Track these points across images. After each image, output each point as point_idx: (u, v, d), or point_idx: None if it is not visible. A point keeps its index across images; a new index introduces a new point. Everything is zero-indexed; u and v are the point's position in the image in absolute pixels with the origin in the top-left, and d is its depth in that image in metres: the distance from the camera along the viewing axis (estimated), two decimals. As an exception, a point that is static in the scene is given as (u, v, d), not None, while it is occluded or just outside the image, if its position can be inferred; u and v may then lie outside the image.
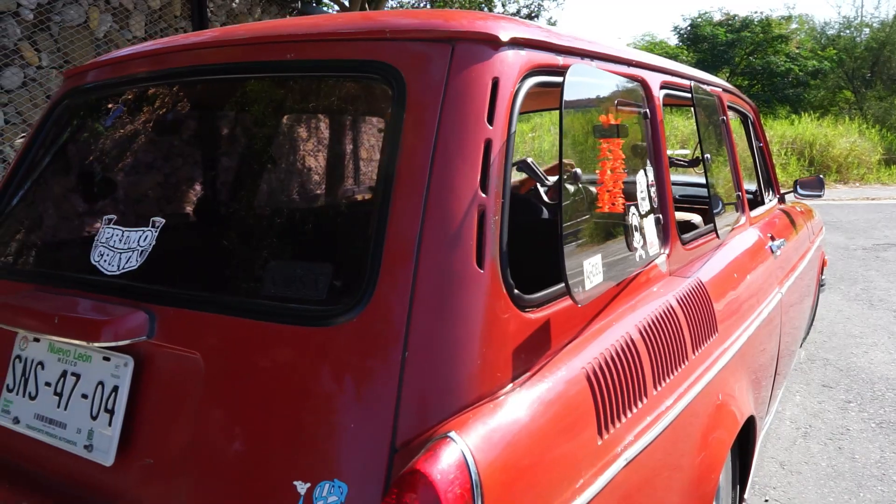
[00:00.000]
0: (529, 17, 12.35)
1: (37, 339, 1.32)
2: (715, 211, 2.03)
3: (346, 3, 8.65)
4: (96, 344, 1.16)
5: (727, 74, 24.45)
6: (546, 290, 1.19)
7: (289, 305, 1.10)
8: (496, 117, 1.13)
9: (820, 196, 3.45)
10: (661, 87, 1.81)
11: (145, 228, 1.29)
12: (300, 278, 1.13)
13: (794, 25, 25.84)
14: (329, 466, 0.98)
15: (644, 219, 1.53)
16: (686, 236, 1.83)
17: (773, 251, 2.47)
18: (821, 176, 3.54)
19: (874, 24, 23.33)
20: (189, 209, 1.56)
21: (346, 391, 1.01)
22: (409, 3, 11.87)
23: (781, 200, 3.37)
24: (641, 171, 1.57)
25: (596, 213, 1.31)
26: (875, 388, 3.57)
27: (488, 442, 0.95)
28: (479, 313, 1.04)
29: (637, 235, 1.47)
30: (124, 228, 1.32)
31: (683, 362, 1.47)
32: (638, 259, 1.46)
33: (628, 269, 1.41)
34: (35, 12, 4.71)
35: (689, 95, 1.98)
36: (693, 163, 3.22)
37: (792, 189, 3.51)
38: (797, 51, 24.25)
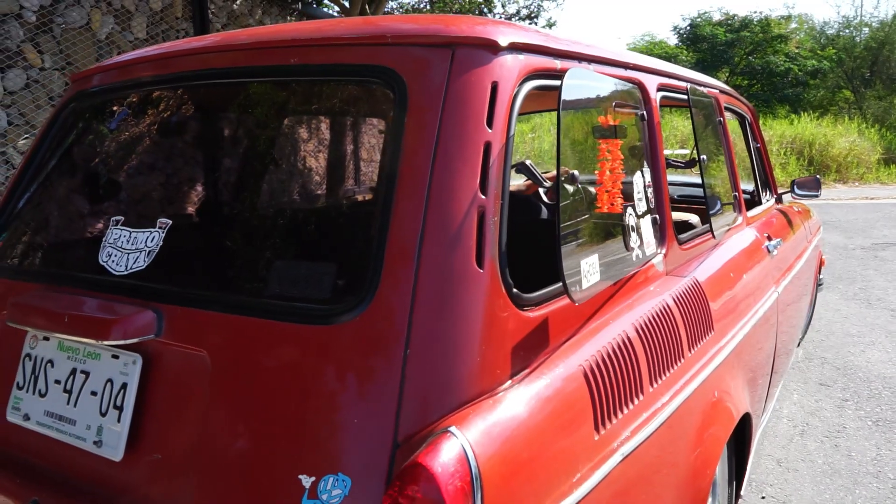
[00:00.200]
0: (529, 17, 12.38)
1: (46, 338, 1.35)
2: (711, 211, 2.06)
3: (347, 4, 8.68)
4: (106, 342, 1.19)
5: (727, 74, 24.48)
6: (544, 289, 1.22)
7: (293, 304, 1.13)
8: (495, 120, 1.16)
9: (817, 196, 3.48)
10: (658, 90, 1.84)
11: (152, 229, 1.32)
12: (304, 278, 1.16)
13: (793, 25, 25.87)
14: (333, 461, 1.00)
15: (641, 219, 1.56)
16: (683, 236, 1.86)
17: (769, 251, 2.50)
18: (818, 176, 3.57)
19: (873, 24, 23.36)
20: (195, 210, 1.58)
21: (350, 388, 1.04)
22: (409, 2, 11.90)
23: (779, 200, 3.39)
24: (639, 172, 1.60)
25: (593, 214, 1.33)
26: (872, 386, 3.60)
27: (488, 436, 0.97)
28: (479, 312, 1.07)
29: (634, 235, 1.50)
30: (132, 229, 1.35)
31: (679, 360, 1.50)
32: (635, 259, 1.48)
33: (625, 269, 1.44)
34: (37, 14, 4.74)
35: (685, 97, 2.01)
36: (690, 164, 3.25)
37: (789, 189, 3.54)
38: (796, 50, 24.28)
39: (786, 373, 3.14)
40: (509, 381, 1.08)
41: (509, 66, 1.22)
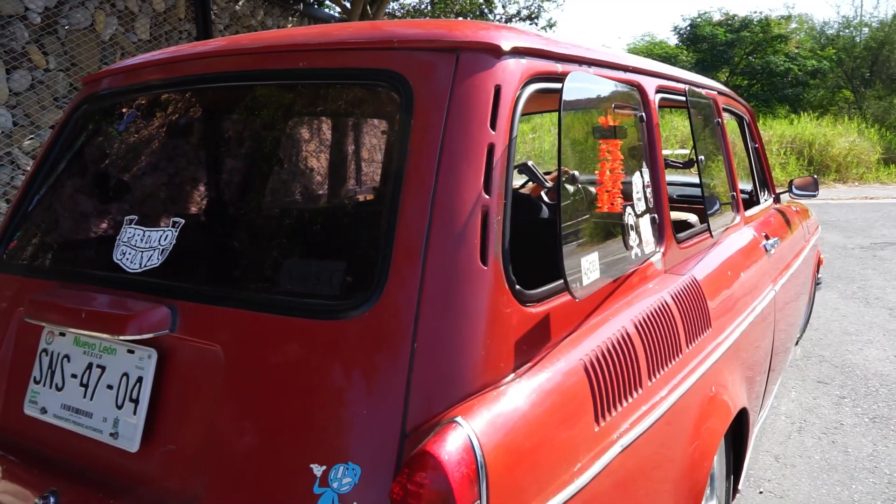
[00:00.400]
0: (529, 17, 12.40)
1: (62, 334, 1.39)
2: (709, 211, 2.10)
3: (348, 5, 8.71)
4: (122, 337, 1.23)
5: (727, 74, 24.51)
6: (546, 286, 1.26)
7: (304, 300, 1.17)
8: (498, 122, 1.20)
9: (814, 196, 3.52)
10: (657, 91, 1.88)
11: (165, 228, 1.36)
12: (315, 275, 1.20)
13: (793, 25, 25.89)
14: (343, 450, 1.04)
15: (640, 218, 1.60)
16: (681, 235, 1.90)
17: (767, 250, 2.54)
18: (815, 176, 3.61)
19: (873, 24, 23.38)
20: (207, 210, 1.63)
21: (359, 380, 1.08)
22: (409, 4, 11.94)
23: (777, 200, 3.43)
24: (638, 173, 1.64)
25: (594, 213, 1.38)
26: (869, 383, 3.64)
27: (492, 426, 1.01)
28: (483, 308, 1.11)
29: (633, 234, 1.54)
30: (145, 228, 1.39)
31: (677, 355, 1.54)
32: (634, 257, 1.52)
33: (625, 267, 1.48)
34: (42, 16, 4.78)
35: (684, 99, 2.04)
36: (688, 164, 3.29)
37: (787, 189, 3.57)
38: (796, 50, 24.30)
39: (784, 370, 3.18)
40: (512, 375, 1.12)
41: (512, 70, 1.26)
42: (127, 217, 1.42)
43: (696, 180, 2.10)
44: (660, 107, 1.89)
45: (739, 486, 2.15)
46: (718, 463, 1.91)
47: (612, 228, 1.45)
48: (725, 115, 2.63)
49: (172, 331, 1.24)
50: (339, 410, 1.07)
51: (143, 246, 1.36)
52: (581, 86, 1.38)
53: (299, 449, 1.07)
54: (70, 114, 1.71)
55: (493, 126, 1.19)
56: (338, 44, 1.34)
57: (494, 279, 1.13)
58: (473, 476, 0.96)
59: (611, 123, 1.48)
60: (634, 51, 27.36)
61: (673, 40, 27.32)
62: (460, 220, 1.12)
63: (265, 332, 1.16)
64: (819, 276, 4.46)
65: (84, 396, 1.32)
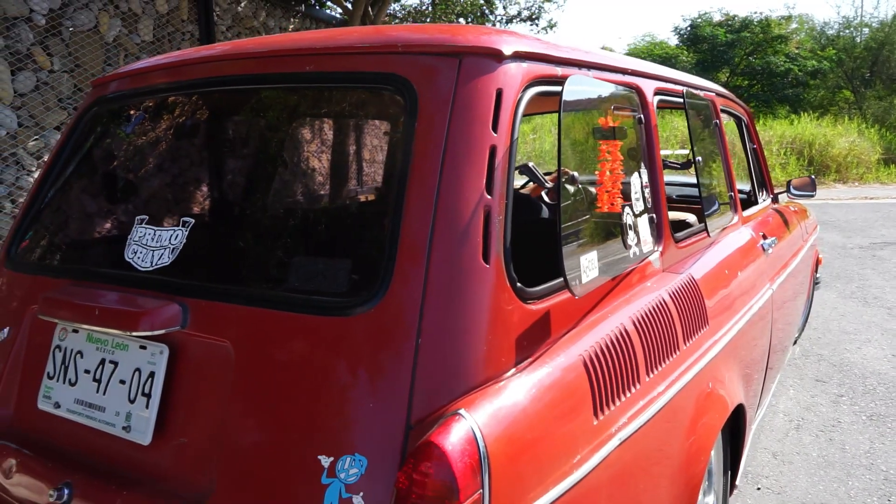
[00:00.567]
0: (530, 18, 12.43)
1: (75, 331, 1.43)
2: (707, 210, 2.13)
3: (350, 6, 8.75)
4: (134, 333, 1.26)
5: (727, 75, 24.54)
6: (546, 283, 1.29)
7: (312, 297, 1.20)
8: (500, 125, 1.24)
9: (812, 196, 3.56)
10: (655, 94, 1.91)
11: (176, 228, 1.40)
12: (322, 273, 1.24)
13: (793, 25, 25.91)
14: (350, 442, 1.08)
15: (638, 218, 1.63)
16: (679, 235, 1.94)
17: (764, 249, 2.57)
18: (812, 176, 3.65)
19: (873, 24, 23.42)
20: (217, 210, 1.66)
21: (365, 375, 1.11)
22: (411, 5, 11.97)
23: (775, 200, 3.47)
24: (636, 173, 1.67)
25: (593, 213, 1.41)
26: (867, 382, 3.67)
27: (494, 419, 1.05)
28: (485, 304, 1.14)
29: (632, 234, 1.57)
30: (156, 228, 1.42)
31: (675, 352, 1.57)
32: (632, 256, 1.56)
33: (623, 266, 1.52)
34: (47, 18, 4.82)
35: (682, 100, 2.08)
36: (686, 164, 3.33)
37: (785, 189, 3.61)
38: (797, 51, 24.32)
39: (782, 369, 3.21)
40: (514, 369, 1.16)
41: (513, 74, 1.29)
42: (138, 217, 1.46)
43: (695, 181, 2.13)
44: (658, 108, 1.93)
45: (737, 482, 2.18)
46: (716, 458, 1.94)
47: (611, 228, 1.49)
48: (723, 117, 2.66)
49: (183, 327, 1.28)
50: (346, 404, 1.11)
51: (154, 245, 1.40)
52: (580, 89, 1.42)
53: (307, 441, 1.11)
54: (80, 116, 1.75)
55: (495, 128, 1.23)
56: (343, 48, 1.38)
57: (496, 277, 1.16)
58: (476, 466, 0.99)
59: (610, 125, 1.52)
60: (635, 51, 27.41)
61: (673, 41, 27.38)
62: (463, 219, 1.16)
63: (274, 329, 1.20)
64: (818, 275, 4.49)
65: (97, 391, 1.35)
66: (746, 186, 3.24)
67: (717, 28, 25.08)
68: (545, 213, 2.64)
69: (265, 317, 1.21)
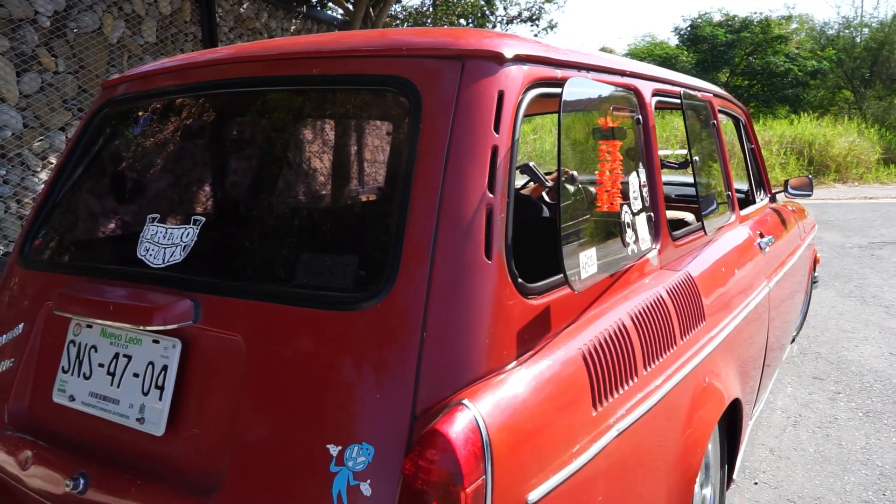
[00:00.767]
0: (530, 19, 12.48)
1: (90, 326, 1.47)
2: (704, 209, 2.17)
3: (351, 8, 8.80)
4: (148, 328, 1.31)
5: (727, 75, 24.58)
6: (547, 279, 1.34)
7: (320, 293, 1.25)
8: (502, 126, 1.28)
9: (809, 195, 3.60)
10: (653, 95, 1.95)
11: (187, 226, 1.44)
12: (330, 269, 1.28)
13: (793, 25, 25.94)
14: (357, 432, 1.12)
15: (636, 216, 1.67)
16: (676, 233, 1.98)
17: (761, 247, 2.61)
18: (810, 176, 3.69)
19: (873, 24, 23.44)
20: (227, 208, 1.70)
21: (372, 367, 1.15)
22: (412, 6, 12.02)
23: (773, 200, 3.51)
24: (635, 173, 1.72)
25: (592, 211, 1.45)
26: (864, 379, 3.71)
27: (497, 409, 1.09)
28: (488, 299, 1.19)
29: (630, 232, 1.61)
30: (167, 226, 1.47)
31: (672, 347, 1.61)
32: (630, 253, 1.60)
33: (621, 263, 1.56)
34: (52, 19, 4.86)
35: (679, 101, 2.12)
36: (683, 164, 3.37)
37: (782, 189, 3.65)
38: (796, 51, 24.36)
39: (779, 366, 3.25)
40: (515, 362, 1.20)
41: (514, 76, 1.34)
42: (150, 215, 1.50)
43: (693, 180, 2.17)
44: (656, 109, 1.97)
45: (734, 476, 2.22)
46: (713, 451, 1.98)
47: (610, 226, 1.53)
48: (721, 117, 2.70)
49: (195, 322, 1.32)
50: (353, 395, 1.15)
51: (165, 243, 1.44)
52: (579, 90, 1.46)
53: (316, 431, 1.15)
54: (91, 117, 1.79)
55: (497, 129, 1.27)
56: (349, 51, 1.42)
57: (498, 273, 1.20)
58: (479, 454, 1.04)
59: (610, 125, 1.56)
60: (635, 51, 27.45)
61: (673, 41, 27.40)
62: (466, 217, 1.20)
63: (284, 323, 1.24)
64: (816, 274, 4.53)
65: (111, 384, 1.40)
66: (744, 186, 3.28)
67: (717, 28, 25.12)
68: (546, 212, 2.69)
69: (275, 311, 1.25)
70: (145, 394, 1.34)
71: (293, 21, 7.99)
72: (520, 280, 1.25)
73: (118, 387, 1.38)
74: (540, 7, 12.52)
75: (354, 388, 1.15)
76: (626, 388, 1.40)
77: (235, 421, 1.23)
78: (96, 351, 1.44)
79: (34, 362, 1.57)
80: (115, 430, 1.37)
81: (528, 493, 1.10)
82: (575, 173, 1.39)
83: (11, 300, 1.70)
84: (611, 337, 1.40)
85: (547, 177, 2.87)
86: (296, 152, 1.79)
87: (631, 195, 1.66)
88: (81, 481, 1.33)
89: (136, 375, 1.36)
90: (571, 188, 1.39)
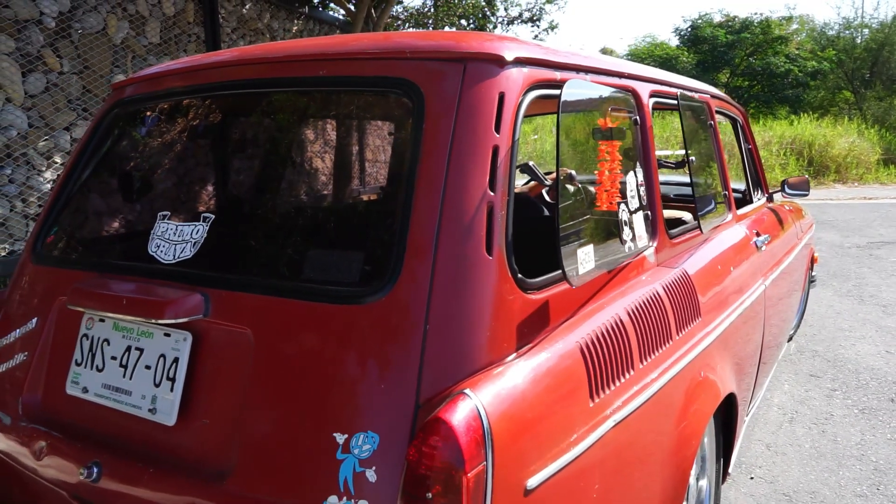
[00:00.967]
0: (531, 19, 12.52)
1: (102, 320, 1.51)
2: (700, 208, 2.22)
3: (352, 8, 8.84)
4: (160, 321, 1.35)
5: (727, 75, 24.61)
6: (546, 275, 1.38)
7: (327, 287, 1.29)
8: (502, 126, 1.32)
9: (805, 195, 3.64)
10: (651, 96, 2.00)
11: (197, 223, 1.49)
12: (336, 264, 1.33)
13: (794, 26, 25.97)
14: (363, 421, 1.17)
15: (634, 215, 1.72)
16: (673, 231, 2.02)
17: (758, 246, 2.66)
18: (807, 176, 3.73)
19: (873, 25, 23.46)
20: (236, 206, 1.75)
21: (377, 359, 1.20)
22: (413, 7, 12.07)
23: (770, 199, 3.55)
24: (632, 172, 1.76)
25: (590, 210, 1.50)
26: (860, 377, 3.76)
27: (497, 398, 1.14)
28: (489, 293, 1.23)
29: (627, 229, 1.66)
30: (178, 223, 1.51)
31: (668, 341, 1.66)
32: (627, 250, 1.65)
33: (618, 259, 1.60)
34: (56, 20, 4.91)
35: (676, 102, 2.16)
36: (680, 164, 3.42)
37: (780, 188, 3.69)
38: (797, 52, 24.38)
39: (776, 364, 3.29)
40: (515, 354, 1.25)
41: (514, 78, 1.38)
42: (160, 213, 1.55)
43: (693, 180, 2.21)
44: (654, 110, 2.01)
45: (730, 470, 2.27)
46: (709, 444, 2.03)
47: (608, 224, 1.57)
48: (719, 118, 2.75)
49: (206, 315, 1.36)
50: (359, 385, 1.19)
51: (175, 239, 1.49)
52: (578, 92, 1.50)
53: (323, 420, 1.20)
54: (101, 117, 1.83)
55: (498, 129, 1.31)
56: (355, 53, 1.47)
57: (498, 268, 1.25)
58: (480, 440, 1.08)
59: (609, 125, 1.60)
60: (636, 52, 27.48)
61: (674, 42, 27.42)
62: (468, 214, 1.25)
63: (292, 317, 1.29)
64: (813, 273, 4.57)
65: (124, 376, 1.44)
66: (742, 186, 3.32)
67: (717, 29, 25.15)
68: (545, 211, 2.73)
69: (283, 306, 1.30)
70: (157, 385, 1.38)
71: (295, 22, 8.04)
72: (519, 275, 1.29)
73: (130, 378, 1.43)
74: (541, 8, 12.57)
75: (360, 379, 1.20)
76: (622, 380, 1.44)
77: (244, 411, 1.28)
78: (109, 344, 1.48)
79: (47, 356, 1.62)
80: (127, 420, 1.42)
81: (527, 479, 1.15)
82: (573, 172, 1.43)
83: (24, 296, 1.74)
84: (608, 331, 1.44)
85: (546, 176, 2.92)
86: (303, 152, 1.84)
87: (628, 194, 1.71)
88: (95, 469, 1.37)
89: (147, 367, 1.41)
90: (570, 187, 1.44)
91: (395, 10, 11.39)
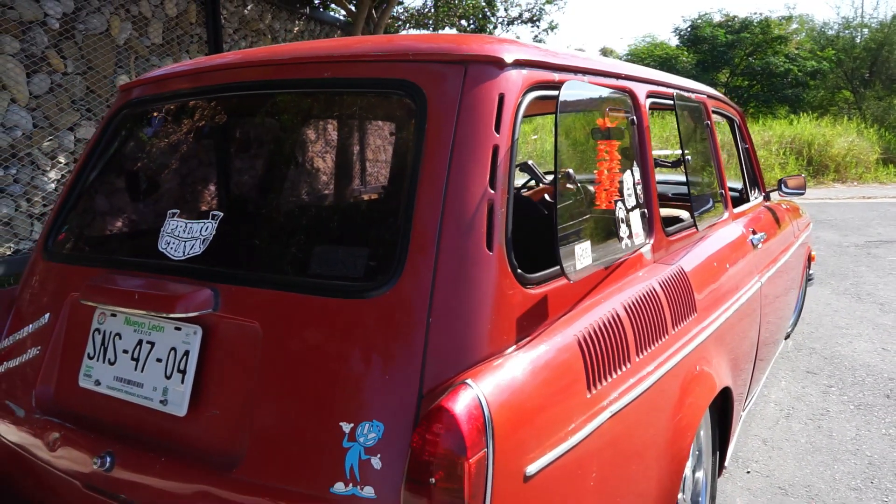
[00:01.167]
0: (531, 20, 12.56)
1: (114, 315, 1.56)
2: (696, 206, 2.26)
3: (353, 9, 8.89)
4: (171, 315, 1.40)
5: (727, 75, 24.64)
6: (544, 270, 1.42)
7: (333, 282, 1.34)
8: (502, 126, 1.37)
9: (802, 194, 3.68)
10: (648, 97, 2.04)
11: (206, 220, 1.53)
12: (342, 260, 1.37)
13: (793, 26, 25.99)
14: (368, 410, 1.21)
15: (630, 212, 1.76)
16: (669, 229, 2.07)
17: (754, 244, 2.70)
18: (803, 175, 3.77)
19: (873, 25, 23.49)
20: (244, 203, 1.79)
21: (381, 351, 1.24)
22: (414, 7, 12.11)
23: (767, 198, 3.59)
24: (629, 171, 1.80)
25: (588, 207, 1.54)
26: (856, 373, 3.80)
27: (498, 388, 1.18)
28: (489, 288, 1.28)
29: (624, 227, 1.70)
30: (187, 220, 1.55)
31: (663, 336, 1.70)
32: (624, 247, 1.69)
33: (615, 256, 1.64)
34: (60, 21, 4.96)
35: (672, 103, 2.21)
36: (676, 163, 3.46)
37: (776, 188, 3.74)
38: (796, 51, 24.40)
39: (773, 361, 3.33)
40: (514, 346, 1.29)
41: (514, 80, 1.43)
42: (170, 210, 1.59)
43: (691, 179, 2.26)
44: (651, 110, 2.05)
45: (726, 464, 2.31)
46: (705, 437, 2.07)
47: (605, 221, 1.61)
48: (716, 118, 2.79)
49: (215, 310, 1.41)
50: (364, 376, 1.24)
51: (185, 236, 1.53)
52: (576, 93, 1.54)
53: (329, 410, 1.24)
54: (110, 118, 1.88)
55: (498, 129, 1.36)
56: (359, 56, 1.51)
57: (499, 263, 1.29)
58: (482, 428, 1.12)
59: (607, 125, 1.65)
60: (636, 52, 27.51)
61: (674, 41, 27.45)
62: (469, 211, 1.29)
63: (299, 311, 1.33)
64: (811, 271, 4.62)
65: (135, 369, 1.48)
66: (739, 185, 3.37)
67: (717, 29, 25.17)
68: (545, 211, 2.78)
69: (290, 300, 1.34)
70: (168, 377, 1.43)
71: (296, 22, 8.08)
72: (519, 271, 1.34)
73: (142, 371, 1.47)
74: (540, 8, 12.61)
75: (365, 370, 1.24)
76: (619, 372, 1.48)
77: (253, 402, 1.32)
78: (120, 338, 1.53)
79: (60, 350, 1.66)
80: (139, 411, 1.46)
81: (527, 466, 1.19)
82: (571, 171, 1.48)
83: (36, 292, 1.79)
84: (605, 325, 1.48)
85: (545, 175, 2.96)
86: (308, 151, 1.88)
87: (626, 192, 1.75)
88: (108, 459, 1.42)
89: (158, 360, 1.45)
90: (569, 185, 1.48)
91: (395, 10, 11.44)
